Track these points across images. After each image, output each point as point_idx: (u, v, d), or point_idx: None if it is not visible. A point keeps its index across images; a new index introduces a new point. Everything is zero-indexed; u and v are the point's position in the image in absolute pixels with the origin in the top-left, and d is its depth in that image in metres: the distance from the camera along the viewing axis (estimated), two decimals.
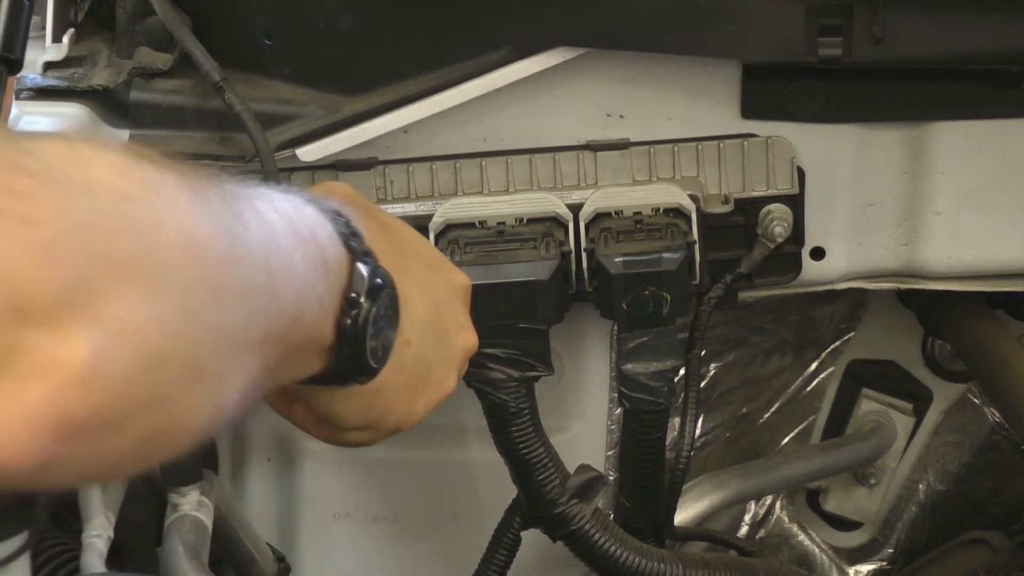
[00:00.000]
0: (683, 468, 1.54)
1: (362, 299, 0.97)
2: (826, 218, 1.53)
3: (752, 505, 1.89)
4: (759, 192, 1.51)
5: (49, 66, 1.50)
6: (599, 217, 1.46)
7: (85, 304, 0.70)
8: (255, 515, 1.68)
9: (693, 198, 1.47)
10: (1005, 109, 1.49)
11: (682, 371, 1.52)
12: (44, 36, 1.52)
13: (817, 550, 1.89)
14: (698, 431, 1.79)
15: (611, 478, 1.64)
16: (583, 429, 1.67)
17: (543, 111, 1.49)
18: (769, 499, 1.89)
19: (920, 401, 1.84)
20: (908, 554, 1.87)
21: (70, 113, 1.47)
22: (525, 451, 1.45)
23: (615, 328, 1.49)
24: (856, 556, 1.89)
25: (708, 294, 1.52)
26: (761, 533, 1.90)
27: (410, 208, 1.49)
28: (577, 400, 1.66)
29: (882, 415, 1.83)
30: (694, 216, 1.46)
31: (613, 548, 1.46)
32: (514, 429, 1.44)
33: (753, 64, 1.47)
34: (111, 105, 1.49)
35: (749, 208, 1.51)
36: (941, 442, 1.86)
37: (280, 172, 1.42)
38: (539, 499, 1.47)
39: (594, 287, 1.44)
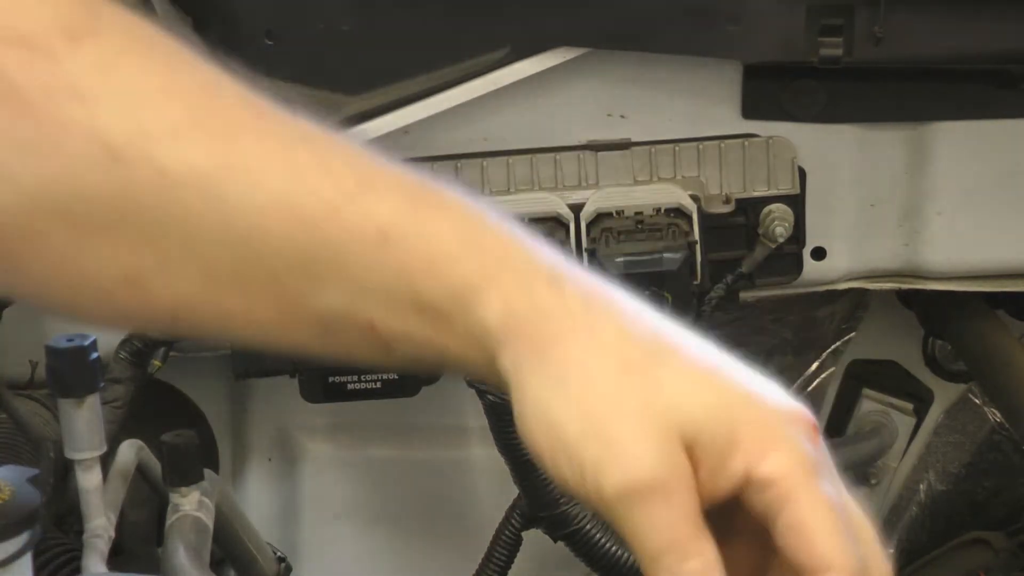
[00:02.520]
0: None
1: None
2: (827, 218, 1.53)
3: None
4: (760, 192, 1.51)
5: None
6: (600, 217, 1.46)
7: None
8: (256, 515, 1.68)
9: (694, 198, 1.47)
10: (1006, 109, 1.49)
11: None
12: None
13: None
14: None
15: None
16: None
17: (544, 111, 1.49)
18: None
19: (921, 401, 1.83)
20: (909, 554, 1.87)
21: None
22: (525, 451, 1.44)
23: None
24: None
25: (709, 294, 1.52)
26: None
27: None
28: None
29: (883, 415, 1.83)
30: (695, 216, 1.46)
31: (614, 548, 1.46)
32: (514, 428, 1.44)
33: (754, 64, 1.47)
34: None
35: (750, 208, 1.51)
36: (942, 442, 1.85)
37: None
38: (540, 499, 1.47)
39: None
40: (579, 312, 0.77)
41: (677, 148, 1.50)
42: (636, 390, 0.76)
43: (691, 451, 0.75)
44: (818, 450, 0.77)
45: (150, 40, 0.79)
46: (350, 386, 1.48)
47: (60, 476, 1.33)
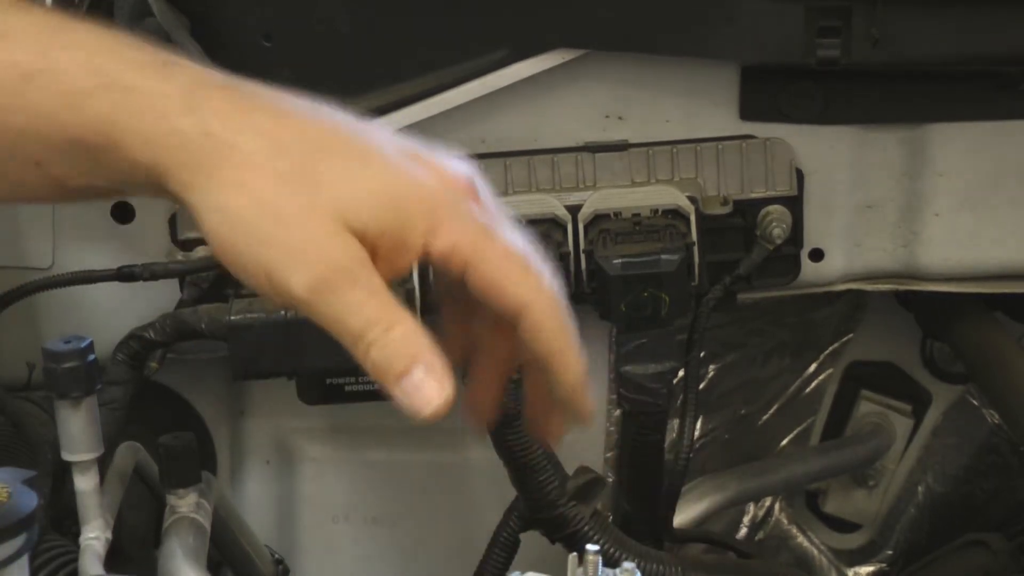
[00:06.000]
0: (682, 470, 1.54)
1: None
2: (825, 220, 1.53)
3: (751, 507, 1.89)
4: (758, 194, 1.51)
5: None
6: (598, 218, 1.46)
7: None
8: (254, 517, 1.68)
9: (692, 199, 1.47)
10: (1004, 111, 1.49)
11: (681, 373, 1.52)
12: None
13: (816, 552, 1.89)
14: (697, 433, 1.79)
15: (610, 480, 1.64)
16: (582, 431, 1.67)
17: (542, 113, 1.49)
18: (768, 501, 1.89)
19: (919, 403, 1.84)
20: (907, 556, 1.87)
21: None
22: (523, 453, 1.45)
23: (613, 330, 1.49)
24: (855, 558, 1.89)
25: (707, 295, 1.52)
26: (760, 535, 1.90)
27: None
28: None
29: (881, 417, 1.83)
30: (693, 217, 1.46)
31: (611, 550, 1.46)
32: (512, 431, 1.44)
33: (751, 66, 1.47)
34: None
35: (748, 210, 1.51)
36: (940, 444, 1.85)
37: None
38: (538, 501, 1.47)
39: (593, 289, 1.44)
40: (220, 133, 0.80)
41: (675, 150, 1.50)
42: (298, 194, 0.79)
43: (364, 238, 0.79)
44: (483, 210, 0.83)
45: None
46: (348, 388, 1.47)
47: (57, 478, 1.33)
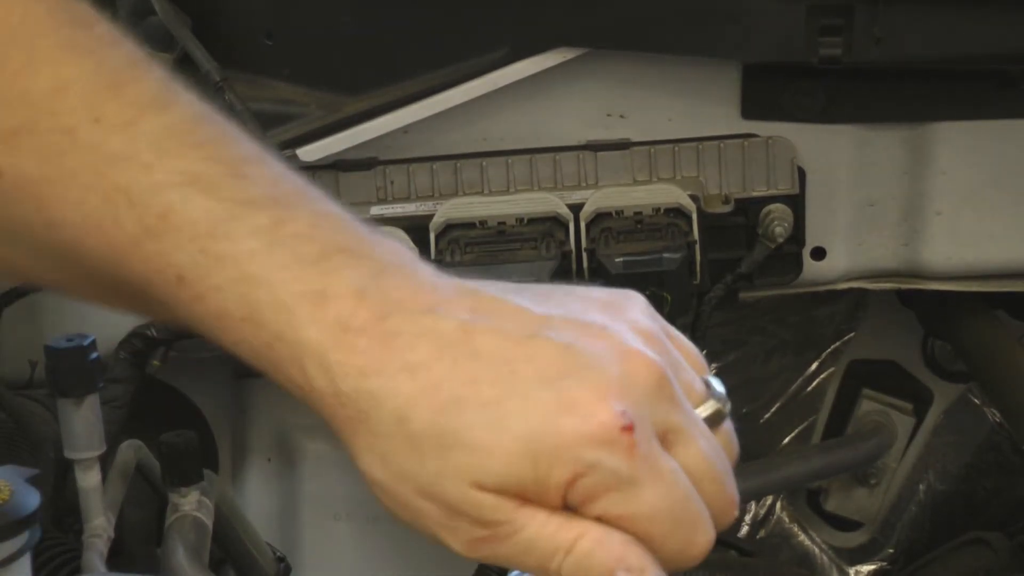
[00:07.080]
0: None
1: None
2: (827, 218, 1.53)
3: (752, 505, 1.89)
4: (759, 192, 1.51)
5: None
6: (600, 217, 1.46)
7: None
8: (256, 515, 1.68)
9: (694, 198, 1.47)
10: (1005, 109, 1.49)
11: None
12: None
13: (817, 550, 1.89)
14: None
15: None
16: None
17: (543, 111, 1.49)
18: (769, 499, 1.89)
19: (920, 401, 1.83)
20: (908, 554, 1.87)
21: None
22: None
23: None
24: (856, 556, 1.89)
25: (709, 294, 1.52)
26: (761, 533, 1.90)
27: (410, 208, 1.49)
28: None
29: (882, 415, 1.83)
30: (695, 216, 1.46)
31: None
32: None
33: (753, 64, 1.47)
34: None
35: (750, 208, 1.51)
36: (941, 442, 1.85)
37: None
38: None
39: None
40: (351, 397, 0.76)
41: (676, 148, 1.50)
42: (430, 459, 0.76)
43: (504, 492, 0.75)
44: (630, 457, 0.75)
45: (33, 31, 0.79)
46: None
47: (60, 476, 1.33)
